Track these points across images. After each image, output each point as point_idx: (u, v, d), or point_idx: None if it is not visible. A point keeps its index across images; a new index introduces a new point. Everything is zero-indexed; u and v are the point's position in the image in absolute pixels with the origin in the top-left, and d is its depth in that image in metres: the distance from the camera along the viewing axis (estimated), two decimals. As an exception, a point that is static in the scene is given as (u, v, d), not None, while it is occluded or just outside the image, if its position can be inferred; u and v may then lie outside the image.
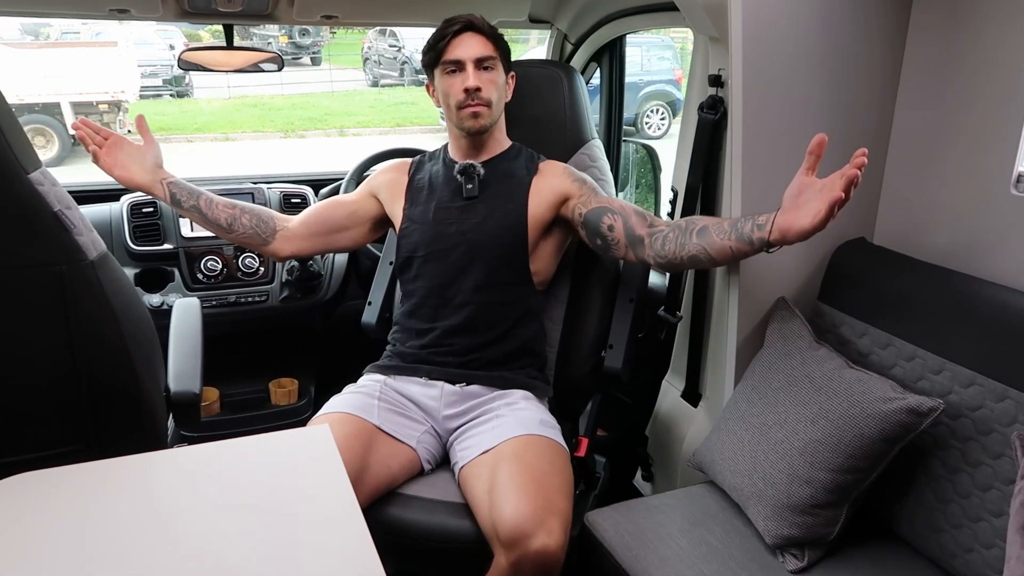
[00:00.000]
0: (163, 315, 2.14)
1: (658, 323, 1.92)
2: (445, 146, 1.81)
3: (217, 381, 2.35)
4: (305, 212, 1.83)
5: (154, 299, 2.20)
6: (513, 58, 1.76)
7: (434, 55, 1.66)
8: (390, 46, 15.39)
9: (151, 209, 2.26)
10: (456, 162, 1.74)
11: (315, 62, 16.96)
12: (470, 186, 1.70)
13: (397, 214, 1.77)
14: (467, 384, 1.66)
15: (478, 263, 1.67)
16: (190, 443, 1.78)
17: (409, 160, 1.85)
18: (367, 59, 16.16)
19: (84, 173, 9.28)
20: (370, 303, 1.95)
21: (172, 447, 1.68)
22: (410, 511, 1.50)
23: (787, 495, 1.34)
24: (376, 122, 12.66)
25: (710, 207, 1.71)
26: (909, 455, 1.34)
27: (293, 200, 2.36)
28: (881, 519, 1.41)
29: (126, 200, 2.27)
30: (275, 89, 14.41)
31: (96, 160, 1.69)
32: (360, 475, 1.46)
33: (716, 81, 1.60)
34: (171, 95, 13.42)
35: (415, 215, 1.74)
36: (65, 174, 8.55)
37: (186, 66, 2.08)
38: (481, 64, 1.64)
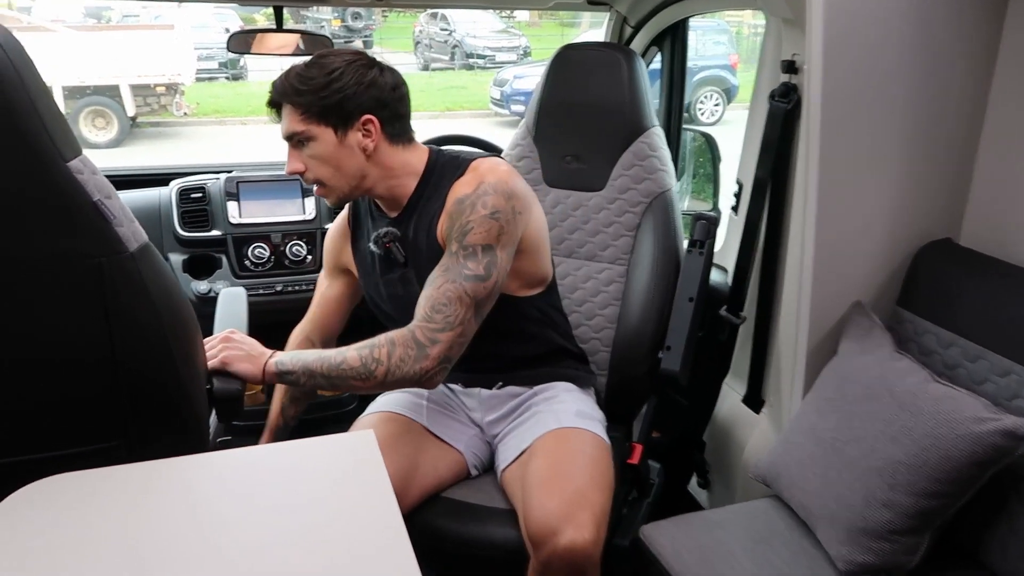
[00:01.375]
0: (210, 303, 2.12)
1: (719, 323, 1.82)
2: None
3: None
4: (311, 319, 1.73)
5: (201, 286, 2.18)
6: (564, 41, 1.63)
7: None
8: (441, 30, 15.36)
9: (200, 194, 2.23)
10: (382, 212, 1.52)
11: (367, 45, 17.00)
12: (391, 258, 1.50)
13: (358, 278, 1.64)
14: (503, 385, 1.59)
15: None
16: (234, 435, 1.75)
17: (346, 215, 1.64)
18: (418, 43, 16.15)
19: (141, 154, 9.43)
20: None
21: (215, 440, 1.65)
22: (453, 517, 1.45)
23: (863, 518, 1.23)
24: (426, 106, 12.63)
25: (779, 203, 1.60)
26: (1002, 479, 1.22)
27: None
28: (968, 548, 1.30)
29: (175, 185, 2.24)
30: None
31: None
32: (408, 478, 1.42)
33: (790, 68, 1.49)
34: (226, 78, 13.59)
35: (370, 289, 1.59)
36: (123, 155, 8.69)
37: (236, 49, 2.03)
38: (292, 142, 1.41)
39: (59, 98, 9.74)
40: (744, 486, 1.71)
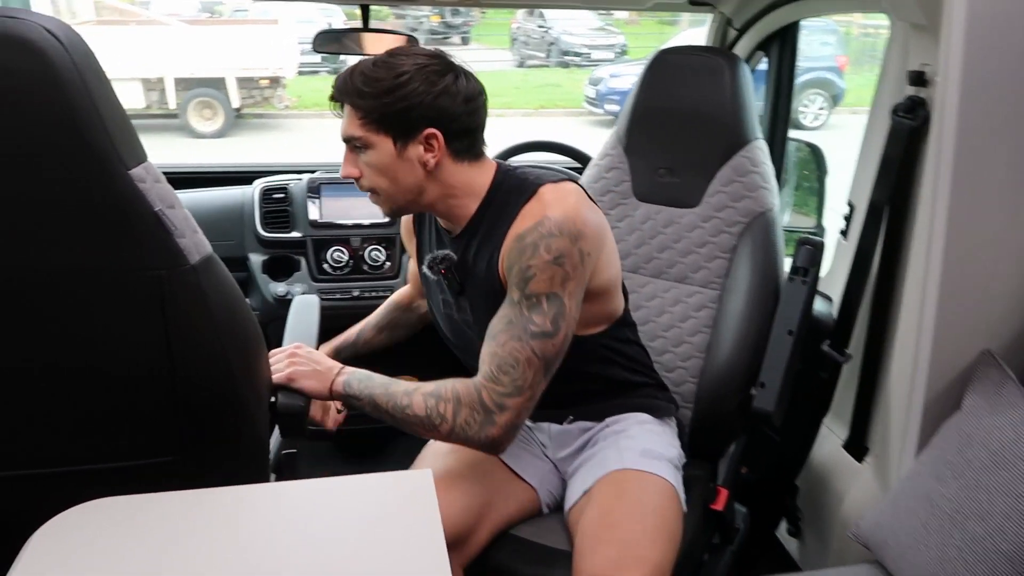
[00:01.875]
0: (286, 305, 2.09)
1: (821, 359, 1.65)
2: None
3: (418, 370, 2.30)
4: (412, 280, 1.71)
5: (279, 288, 2.16)
6: (663, 45, 1.49)
7: None
8: (538, 27, 15.31)
9: (282, 195, 2.21)
10: (441, 228, 1.41)
11: (465, 42, 17.13)
12: (446, 284, 1.39)
13: None
14: (573, 419, 1.48)
15: None
16: (310, 439, 1.70)
17: (407, 225, 1.54)
18: (515, 39, 16.14)
19: (245, 145, 9.76)
20: None
21: (279, 452, 1.61)
22: (521, 557, 1.36)
23: (987, 606, 1.07)
24: (520, 103, 12.60)
25: (898, 230, 1.43)
26: None
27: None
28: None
29: (258, 184, 2.23)
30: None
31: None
32: (479, 515, 1.35)
33: (918, 79, 1.32)
34: (328, 72, 13.93)
35: (430, 302, 1.50)
36: (227, 145, 9.00)
37: (320, 48, 1.99)
38: (350, 146, 1.29)
39: (170, 89, 10.21)
40: (840, 544, 1.54)
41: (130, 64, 9.98)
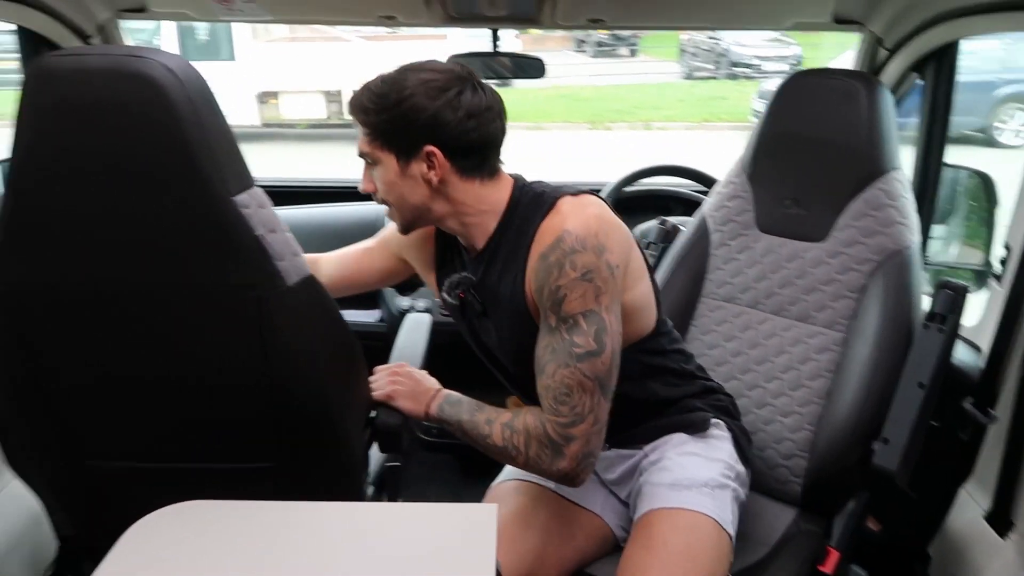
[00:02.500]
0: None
1: (962, 417, 1.48)
2: None
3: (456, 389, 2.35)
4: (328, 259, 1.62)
5: (403, 302, 2.23)
6: (841, 56, 1.37)
7: None
8: (708, 37, 14.93)
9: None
10: (461, 246, 1.37)
11: (633, 53, 17.03)
12: (468, 307, 1.35)
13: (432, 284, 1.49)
14: (609, 447, 1.44)
15: (524, 374, 1.31)
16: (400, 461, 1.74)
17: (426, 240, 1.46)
18: (683, 50, 15.85)
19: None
20: None
21: (382, 464, 1.66)
22: None
23: None
24: (683, 116, 12.35)
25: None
26: None
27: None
28: None
29: (390, 203, 2.32)
30: (587, 80, 14.72)
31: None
32: (542, 555, 1.34)
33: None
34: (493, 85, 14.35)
35: (462, 332, 1.45)
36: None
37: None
38: (365, 161, 1.28)
39: (345, 103, 10.91)
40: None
41: (315, 78, 10.80)
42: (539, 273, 1.19)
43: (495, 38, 2.03)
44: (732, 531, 1.33)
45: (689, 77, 15.29)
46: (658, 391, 1.41)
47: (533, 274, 1.21)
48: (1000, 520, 1.41)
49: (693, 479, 1.34)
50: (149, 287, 1.13)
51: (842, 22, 1.89)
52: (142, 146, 1.04)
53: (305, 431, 1.27)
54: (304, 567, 0.97)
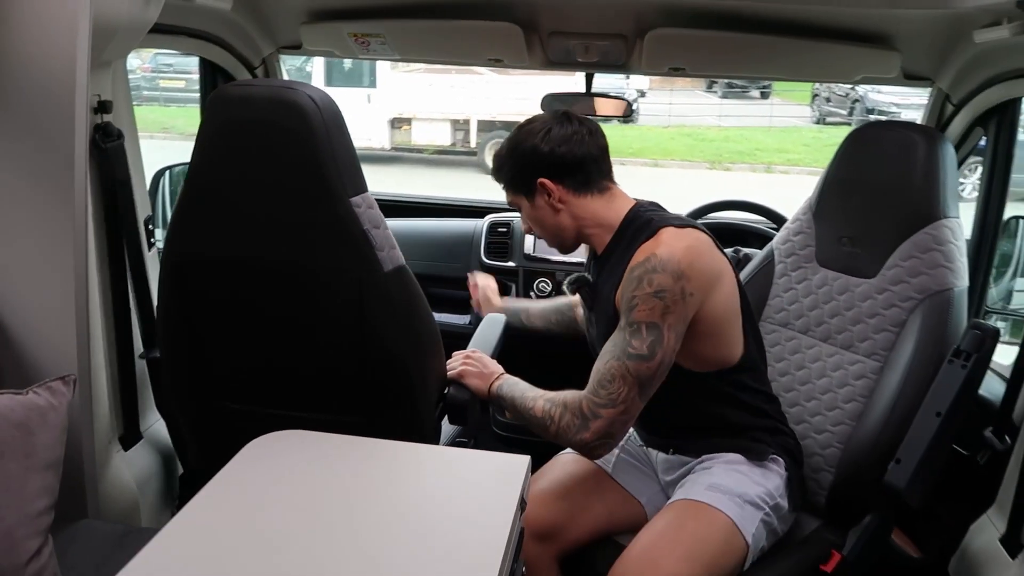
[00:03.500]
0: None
1: (981, 444, 1.59)
2: None
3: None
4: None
5: None
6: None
7: None
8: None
9: (504, 229, 2.56)
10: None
11: (764, 95, 16.83)
12: (583, 300, 1.66)
13: None
14: (674, 452, 1.62)
15: None
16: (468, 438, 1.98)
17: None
18: (816, 95, 15.56)
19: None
20: None
21: (452, 439, 1.91)
22: (605, 556, 1.53)
23: None
24: (807, 161, 12.15)
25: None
26: None
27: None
28: None
29: (488, 219, 2.61)
30: (712, 120, 14.72)
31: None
32: (574, 516, 1.55)
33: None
34: (617, 120, 14.56)
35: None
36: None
37: (547, 106, 2.31)
38: (516, 208, 1.62)
39: (473, 130, 11.46)
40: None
41: (444, 106, 11.43)
42: (625, 284, 1.44)
43: (589, 80, 2.27)
44: (751, 542, 1.47)
45: (820, 122, 14.99)
46: (728, 416, 1.59)
47: (623, 285, 1.45)
48: (1012, 542, 1.50)
49: (730, 488, 1.50)
50: (280, 264, 1.45)
51: (912, 77, 2.03)
52: (287, 156, 1.37)
53: (387, 393, 1.54)
54: (353, 491, 1.20)
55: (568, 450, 1.71)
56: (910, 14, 1.74)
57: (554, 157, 1.51)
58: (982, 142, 2.04)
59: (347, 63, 10.66)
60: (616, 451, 1.67)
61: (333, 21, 2.11)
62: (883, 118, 13.86)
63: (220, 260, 1.48)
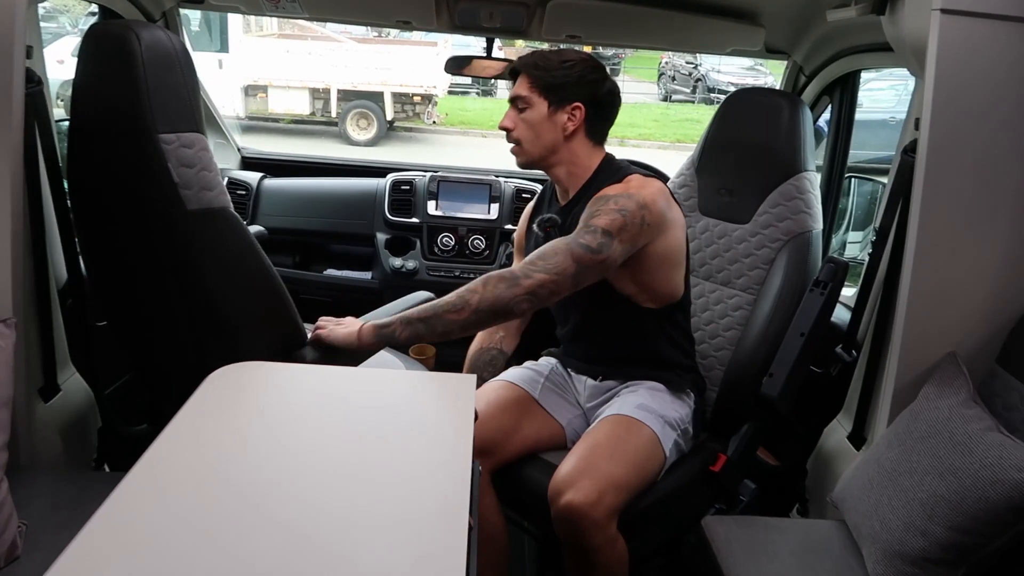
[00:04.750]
0: (402, 276, 2.54)
1: (833, 359, 1.91)
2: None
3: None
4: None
5: (396, 262, 2.61)
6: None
7: None
8: (687, 63, 15.47)
9: (408, 187, 2.67)
10: (556, 199, 1.81)
11: (614, 73, 17.51)
12: (545, 238, 1.73)
13: None
14: (603, 379, 1.82)
15: (572, 305, 1.78)
16: None
17: (532, 203, 1.97)
18: (662, 74, 16.38)
19: (395, 153, 10.61)
20: None
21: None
22: (535, 471, 1.73)
23: (900, 543, 1.32)
24: (657, 136, 12.84)
25: (899, 251, 1.68)
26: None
27: (524, 195, 2.66)
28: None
29: (390, 177, 2.71)
30: (568, 96, 15.15)
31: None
32: (508, 434, 1.72)
33: (917, 124, 1.58)
34: (477, 93, 14.71)
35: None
36: (378, 153, 9.84)
37: (450, 70, 2.44)
38: (515, 104, 1.71)
39: (334, 99, 11.23)
40: (832, 515, 1.78)
41: (302, 74, 11.09)
42: (589, 207, 1.59)
43: (489, 46, 2.42)
44: (667, 455, 1.70)
45: (666, 99, 15.82)
46: (661, 351, 1.81)
47: (586, 209, 1.60)
48: (857, 438, 1.82)
49: (654, 409, 1.72)
50: (105, 199, 1.55)
51: (772, 51, 2.33)
52: (106, 90, 1.45)
53: (211, 343, 1.58)
54: (320, 417, 1.28)
55: (496, 378, 1.87)
56: (775, -6, 2.02)
57: (602, 98, 1.70)
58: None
59: (194, 25, 10.11)
60: (541, 379, 1.85)
61: (243, -24, 2.12)
62: (724, 96, 14.80)
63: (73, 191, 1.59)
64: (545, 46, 2.12)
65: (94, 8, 2.12)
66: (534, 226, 1.79)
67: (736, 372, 1.92)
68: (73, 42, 9.27)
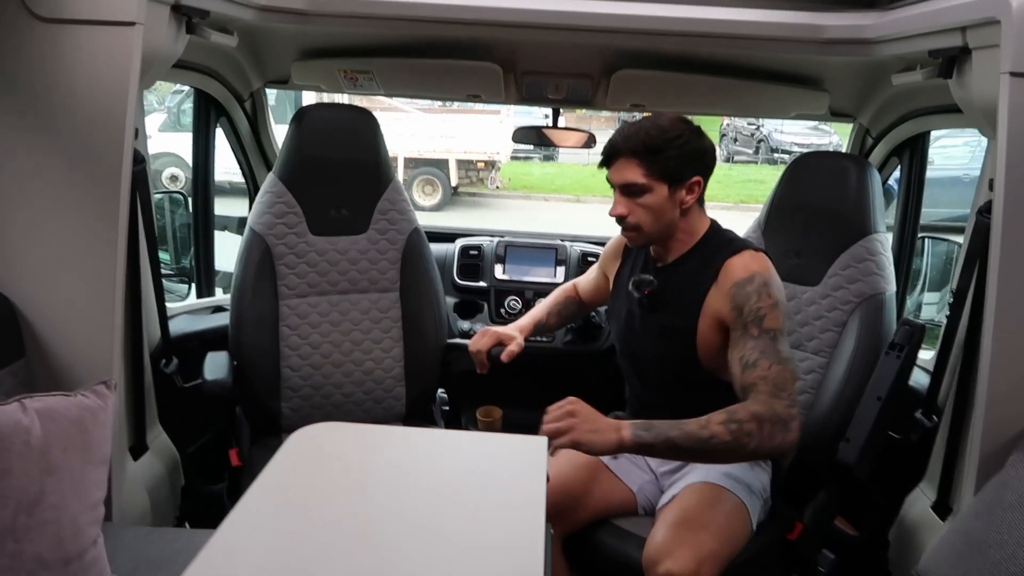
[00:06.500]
0: (468, 338, 2.57)
1: (913, 425, 1.85)
2: None
3: (502, 402, 2.73)
4: (584, 286, 2.10)
5: (464, 325, 2.66)
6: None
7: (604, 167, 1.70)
8: (748, 123, 15.50)
9: (476, 252, 2.74)
10: (650, 257, 1.76)
11: (673, 136, 17.63)
12: (643, 300, 1.71)
13: (608, 289, 1.94)
14: None
15: (657, 373, 1.76)
16: None
17: (619, 244, 1.91)
18: (724, 135, 16.43)
19: (458, 218, 10.86)
20: None
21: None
22: (611, 538, 1.71)
23: (993, 620, 1.27)
24: (720, 196, 12.79)
25: (978, 314, 1.64)
26: None
27: (589, 258, 2.68)
28: None
29: (459, 243, 2.78)
30: (629, 159, 15.32)
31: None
32: (579, 499, 1.70)
33: (991, 185, 1.57)
34: (539, 159, 15.01)
35: (613, 307, 1.87)
36: (443, 219, 10.09)
37: (518, 140, 2.52)
38: (628, 191, 1.63)
39: (400, 167, 11.60)
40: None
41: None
42: (736, 297, 1.57)
43: (556, 115, 2.50)
44: (753, 526, 1.67)
45: (729, 160, 15.81)
46: None
47: (727, 297, 1.59)
48: (942, 508, 1.75)
49: (740, 478, 1.70)
50: None
51: (837, 114, 2.34)
52: None
53: None
54: (393, 477, 1.31)
55: None
56: (838, 61, 2.04)
57: (712, 164, 1.67)
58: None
59: (271, 100, 10.61)
60: None
61: (324, 59, 2.26)
62: (787, 157, 14.52)
63: None
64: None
65: (180, 87, 2.29)
66: (630, 286, 1.74)
67: (811, 437, 1.88)
68: (160, 119, 9.93)
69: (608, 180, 1.68)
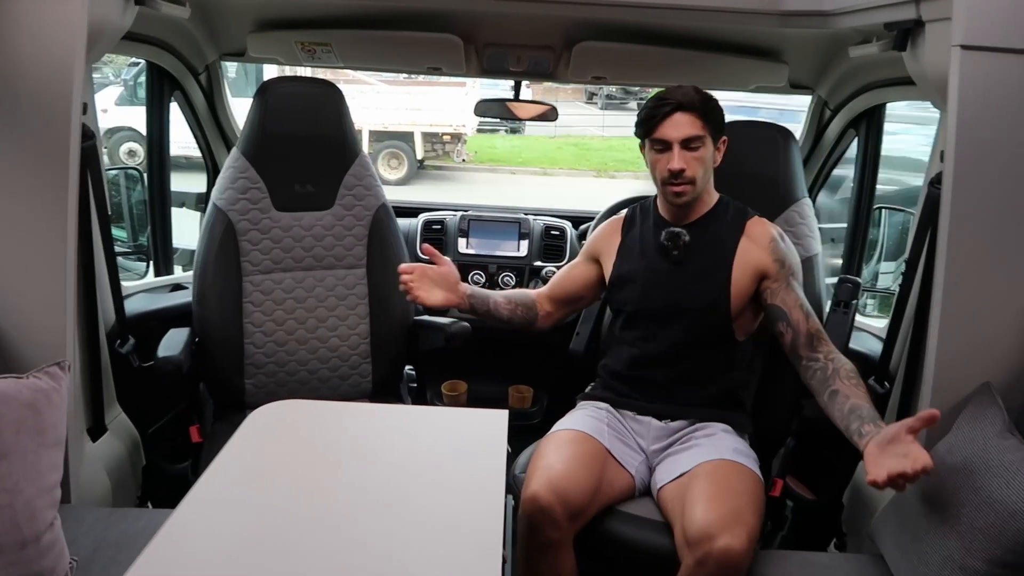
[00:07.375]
0: (433, 313, 2.57)
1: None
2: (654, 199, 1.90)
3: (467, 376, 2.74)
4: (549, 288, 2.04)
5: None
6: None
7: (644, 131, 1.75)
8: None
9: (439, 227, 2.72)
10: (665, 221, 1.83)
11: (640, 106, 17.61)
12: (676, 252, 1.79)
13: (608, 268, 1.92)
14: (672, 420, 1.79)
15: (680, 326, 1.77)
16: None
17: (622, 217, 1.95)
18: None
19: (424, 192, 10.74)
20: (578, 333, 2.19)
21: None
22: (625, 526, 1.69)
23: (938, 578, 1.31)
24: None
25: (929, 283, 1.68)
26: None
27: (552, 232, 2.69)
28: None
29: (422, 217, 2.76)
30: (596, 131, 15.31)
31: (414, 299, 1.88)
32: (595, 493, 1.64)
33: (943, 156, 1.60)
34: (505, 131, 14.90)
35: (625, 272, 1.86)
36: (409, 192, 9.99)
37: (480, 113, 2.50)
38: (687, 144, 1.70)
39: (365, 140, 11.46)
40: (868, 548, 1.77)
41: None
42: (777, 252, 1.77)
43: (517, 88, 2.48)
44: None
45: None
46: (731, 385, 1.82)
47: (767, 251, 1.76)
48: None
49: (748, 453, 1.73)
50: None
51: (796, 86, 2.36)
52: None
53: None
54: (361, 454, 1.34)
55: (562, 426, 1.81)
56: (797, 33, 2.05)
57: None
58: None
59: (231, 72, 10.40)
60: (604, 426, 1.79)
61: (281, 30, 2.22)
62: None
63: None
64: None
65: (135, 59, 2.24)
66: (663, 239, 1.81)
67: (768, 396, 1.92)
68: (115, 92, 9.66)
69: (655, 140, 1.73)
